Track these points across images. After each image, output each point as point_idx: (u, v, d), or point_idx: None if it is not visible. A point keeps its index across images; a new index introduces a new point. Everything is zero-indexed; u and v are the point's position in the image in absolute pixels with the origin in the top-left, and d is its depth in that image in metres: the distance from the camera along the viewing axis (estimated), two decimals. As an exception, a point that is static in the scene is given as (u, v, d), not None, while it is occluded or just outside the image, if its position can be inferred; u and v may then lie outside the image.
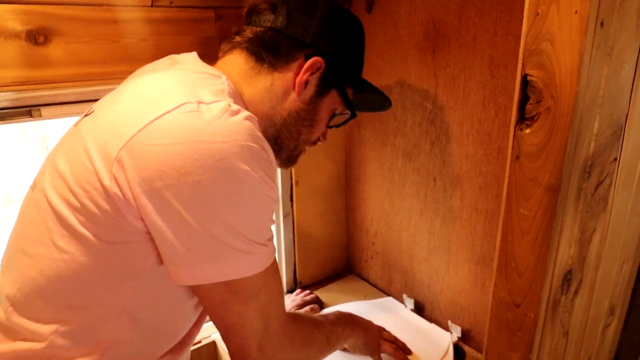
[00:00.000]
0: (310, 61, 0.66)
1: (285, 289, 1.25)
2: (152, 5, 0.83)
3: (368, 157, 1.19)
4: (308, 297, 1.15)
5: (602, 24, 0.43)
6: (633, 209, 0.67)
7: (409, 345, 0.99)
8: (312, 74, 0.66)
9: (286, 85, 0.66)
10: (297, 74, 0.66)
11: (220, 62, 0.69)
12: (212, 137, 0.49)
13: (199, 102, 0.51)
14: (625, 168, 0.59)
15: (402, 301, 1.17)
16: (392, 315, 1.12)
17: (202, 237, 0.51)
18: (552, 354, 0.61)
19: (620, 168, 0.58)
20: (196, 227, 0.50)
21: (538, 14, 0.45)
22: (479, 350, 1.00)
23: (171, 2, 0.85)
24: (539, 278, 0.52)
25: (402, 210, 1.13)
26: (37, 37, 0.73)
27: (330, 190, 1.26)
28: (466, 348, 1.02)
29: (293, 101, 0.67)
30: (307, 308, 1.11)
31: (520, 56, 0.48)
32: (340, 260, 1.35)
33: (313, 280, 1.28)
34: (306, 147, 0.77)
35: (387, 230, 1.20)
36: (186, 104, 0.51)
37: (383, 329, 0.94)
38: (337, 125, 0.79)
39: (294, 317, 0.67)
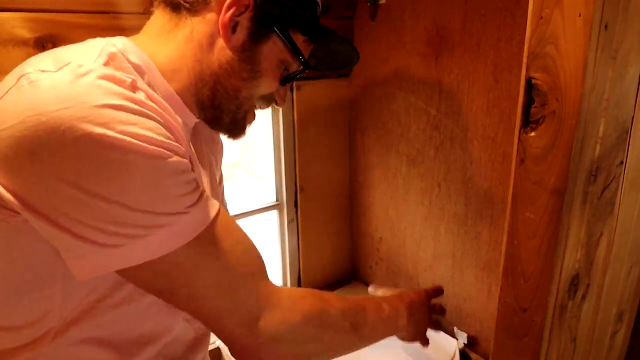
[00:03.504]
0: None
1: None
2: (158, 13, 0.84)
3: (372, 163, 1.19)
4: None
5: (606, 26, 0.44)
6: (640, 213, 0.67)
7: (415, 352, 0.99)
8: (240, 13, 0.54)
9: (210, 31, 0.55)
10: (220, 14, 0.54)
11: (142, 31, 0.59)
12: (54, 106, 0.41)
13: (42, 71, 0.43)
14: (631, 172, 0.58)
15: (407, 308, 1.16)
16: (397, 322, 1.11)
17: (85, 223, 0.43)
18: (560, 361, 0.60)
19: (627, 172, 0.57)
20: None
21: (542, 18, 0.46)
22: (485, 357, 0.99)
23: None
24: (545, 283, 0.52)
25: (407, 217, 1.13)
26: (46, 44, 0.74)
27: (335, 197, 1.26)
28: (472, 355, 1.01)
29: (222, 50, 0.56)
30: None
31: (525, 60, 0.48)
32: (345, 266, 1.35)
33: (318, 286, 1.28)
34: (255, 108, 0.63)
35: (391, 237, 1.19)
36: (23, 78, 0.43)
37: (427, 301, 0.81)
38: (288, 80, 0.62)
39: (289, 292, 0.58)
